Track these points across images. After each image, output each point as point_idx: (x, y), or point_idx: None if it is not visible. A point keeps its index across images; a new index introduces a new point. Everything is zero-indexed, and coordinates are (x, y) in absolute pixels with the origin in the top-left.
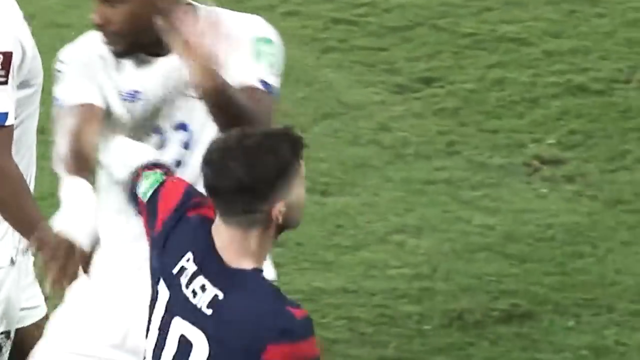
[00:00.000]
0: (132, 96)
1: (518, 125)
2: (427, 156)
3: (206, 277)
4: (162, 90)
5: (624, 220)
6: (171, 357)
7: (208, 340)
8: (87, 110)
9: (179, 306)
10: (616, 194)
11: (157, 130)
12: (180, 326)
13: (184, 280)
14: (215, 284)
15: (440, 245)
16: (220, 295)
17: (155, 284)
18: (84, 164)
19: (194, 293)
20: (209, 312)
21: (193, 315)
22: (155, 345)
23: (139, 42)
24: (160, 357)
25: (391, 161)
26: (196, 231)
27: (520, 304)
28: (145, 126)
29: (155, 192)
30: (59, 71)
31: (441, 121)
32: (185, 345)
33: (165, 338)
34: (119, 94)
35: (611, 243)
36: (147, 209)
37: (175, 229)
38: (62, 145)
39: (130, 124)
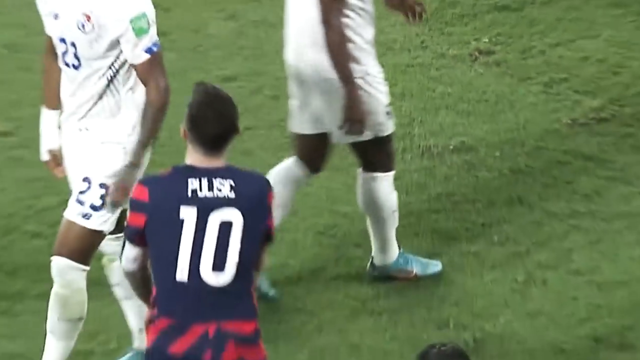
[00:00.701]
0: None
1: (465, 30)
2: (408, 49)
3: (217, 177)
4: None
5: (531, 90)
6: (215, 241)
7: (240, 210)
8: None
9: (211, 205)
10: (526, 73)
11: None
12: (217, 217)
13: (204, 191)
14: (225, 178)
15: (417, 104)
16: (232, 182)
17: (173, 211)
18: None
19: (219, 190)
20: (232, 194)
21: (226, 202)
22: (193, 250)
23: None
24: (202, 247)
25: (384, 52)
26: (176, 171)
27: (465, 140)
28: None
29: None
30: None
31: (417, 28)
32: (225, 226)
33: (204, 234)
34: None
35: (523, 103)
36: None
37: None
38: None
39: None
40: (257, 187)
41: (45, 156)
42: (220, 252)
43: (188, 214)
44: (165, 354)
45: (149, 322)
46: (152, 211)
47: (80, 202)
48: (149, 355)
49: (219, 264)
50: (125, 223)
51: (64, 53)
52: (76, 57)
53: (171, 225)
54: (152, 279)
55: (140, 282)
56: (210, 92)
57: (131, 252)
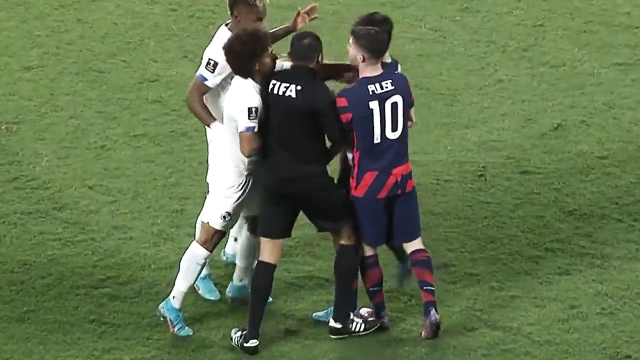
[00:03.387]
0: None
1: None
2: None
3: (383, 81)
4: None
5: None
6: (390, 115)
7: (400, 94)
8: None
9: (384, 96)
10: None
11: None
12: (389, 102)
13: (378, 90)
14: (386, 80)
15: None
16: (391, 80)
17: (366, 108)
18: None
19: (386, 86)
20: (393, 87)
21: (391, 92)
22: (381, 123)
23: None
24: (384, 120)
25: None
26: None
27: None
28: None
29: None
30: None
31: None
32: (394, 104)
33: (384, 115)
34: None
35: None
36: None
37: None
38: None
39: None
40: (404, 79)
41: None
42: (394, 120)
43: (373, 105)
44: (374, 199)
45: (353, 181)
46: (352, 109)
47: None
48: (361, 202)
49: (394, 127)
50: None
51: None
52: None
53: (367, 113)
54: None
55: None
56: (373, 29)
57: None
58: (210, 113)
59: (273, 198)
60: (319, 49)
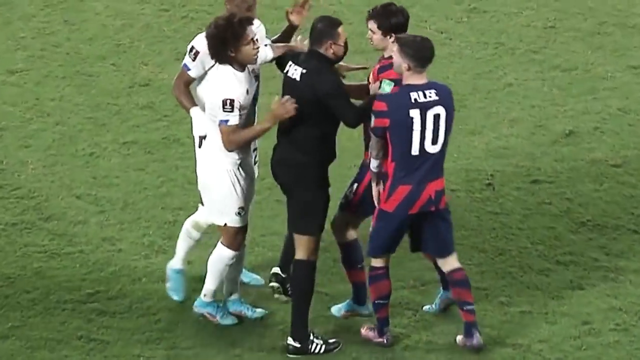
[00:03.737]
0: None
1: None
2: None
3: (426, 89)
4: None
5: None
6: (432, 126)
7: (443, 106)
8: None
9: (427, 106)
10: None
11: None
12: (432, 112)
13: (421, 98)
14: (430, 89)
15: None
16: (435, 90)
17: (406, 116)
18: None
19: (430, 95)
20: (437, 97)
21: (434, 102)
22: (421, 135)
23: None
24: (425, 131)
25: None
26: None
27: None
28: None
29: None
30: None
31: None
32: (437, 116)
33: (425, 126)
34: None
35: None
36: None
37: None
38: None
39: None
40: (448, 90)
41: None
42: (435, 132)
43: (414, 113)
44: (406, 215)
45: (384, 193)
46: (391, 115)
47: None
48: (389, 216)
49: (434, 140)
50: (372, 124)
51: None
52: None
53: (405, 121)
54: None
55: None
56: (418, 36)
57: (374, 141)
58: (192, 98)
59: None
60: (331, 35)
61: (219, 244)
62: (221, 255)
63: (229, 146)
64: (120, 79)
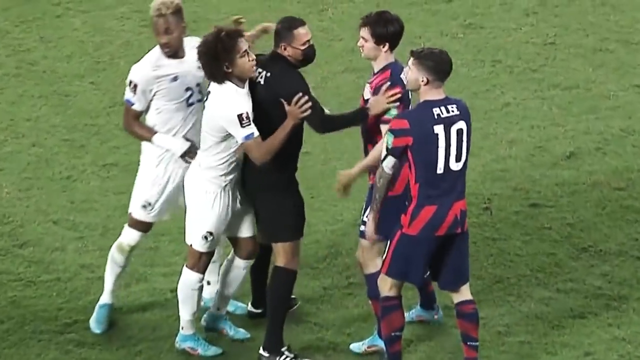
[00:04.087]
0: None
1: None
2: None
3: (448, 105)
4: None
5: None
6: (455, 142)
7: (464, 120)
8: None
9: (450, 121)
10: None
11: None
12: (455, 128)
13: (444, 113)
14: (451, 104)
15: None
16: (456, 105)
17: (430, 133)
18: None
19: (452, 110)
20: (458, 112)
21: (457, 117)
22: (445, 152)
23: None
24: (449, 148)
25: None
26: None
27: None
28: None
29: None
30: None
31: None
32: (460, 131)
33: (449, 142)
34: None
35: None
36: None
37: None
38: None
39: None
40: (465, 105)
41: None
42: (459, 148)
43: (438, 130)
44: (432, 236)
45: (406, 217)
46: (414, 133)
47: None
48: (414, 240)
49: (458, 156)
50: (389, 145)
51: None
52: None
53: (431, 139)
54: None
55: (388, 184)
56: (436, 49)
57: (391, 162)
58: (148, 127)
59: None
60: (285, 37)
61: (184, 267)
62: (186, 279)
63: (264, 157)
64: (99, 98)
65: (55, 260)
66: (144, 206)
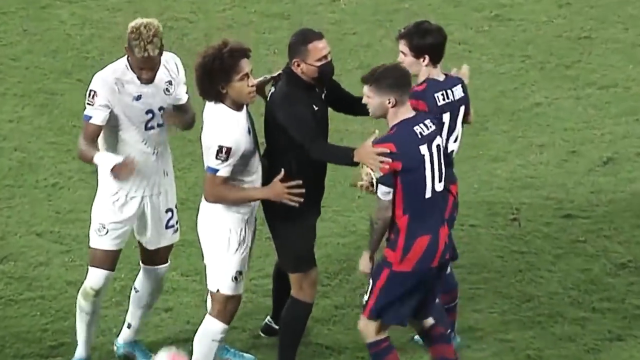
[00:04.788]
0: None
1: None
2: None
3: (424, 120)
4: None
5: None
6: (437, 160)
7: (440, 133)
8: None
9: (430, 137)
10: None
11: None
12: (434, 143)
13: (425, 130)
14: (427, 118)
15: None
16: (429, 118)
17: (417, 154)
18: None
19: (430, 126)
20: (434, 126)
21: (435, 133)
22: (432, 173)
23: None
24: (433, 167)
25: None
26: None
27: None
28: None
29: None
30: None
31: None
32: (438, 147)
33: (433, 158)
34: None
35: None
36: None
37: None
38: None
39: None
40: (436, 122)
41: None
42: (439, 166)
43: (424, 150)
44: (427, 268)
45: (396, 254)
46: (403, 157)
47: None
48: (409, 277)
49: (440, 176)
50: (380, 177)
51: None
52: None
53: (419, 160)
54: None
55: (387, 221)
56: (385, 64)
57: (386, 189)
58: (94, 146)
59: None
60: (299, 52)
61: (207, 315)
62: (209, 328)
63: (211, 198)
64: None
65: (39, 276)
66: (98, 230)
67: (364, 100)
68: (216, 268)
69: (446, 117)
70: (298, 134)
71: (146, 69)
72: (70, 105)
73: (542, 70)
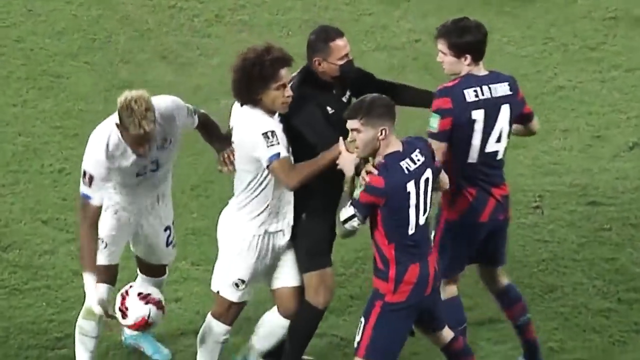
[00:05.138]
0: None
1: None
2: None
3: (411, 154)
4: None
5: None
6: (423, 195)
7: (429, 167)
8: None
9: (419, 172)
10: None
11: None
12: (423, 177)
13: (412, 166)
14: (414, 151)
15: None
16: (419, 151)
17: (403, 190)
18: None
19: (419, 160)
20: (423, 159)
21: (424, 166)
22: (416, 204)
23: None
24: (418, 203)
25: None
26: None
27: None
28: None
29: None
30: None
31: None
32: (426, 181)
33: (419, 196)
34: None
35: None
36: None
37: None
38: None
39: None
40: (426, 142)
41: None
42: (425, 199)
43: (410, 187)
44: (422, 297)
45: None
46: (389, 192)
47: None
48: (402, 309)
49: (424, 210)
50: (357, 200)
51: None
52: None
53: (404, 198)
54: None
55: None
56: (369, 96)
57: (357, 222)
58: (94, 258)
59: None
60: (320, 49)
61: (209, 314)
62: (210, 329)
63: (294, 182)
64: (94, 80)
65: (44, 265)
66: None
67: (349, 138)
68: (220, 268)
69: (478, 115)
70: (309, 134)
71: (143, 143)
72: (76, 88)
73: (566, 52)
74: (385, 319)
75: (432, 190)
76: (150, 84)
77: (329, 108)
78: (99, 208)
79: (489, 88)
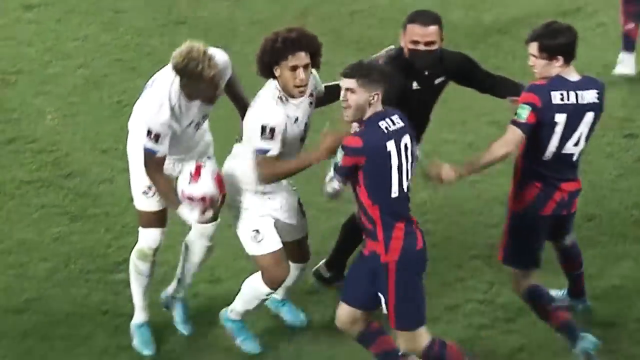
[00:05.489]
0: None
1: None
2: None
3: (391, 116)
4: None
5: None
6: (405, 159)
7: (409, 134)
8: None
9: (398, 134)
10: None
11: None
12: (402, 141)
13: (391, 126)
14: (394, 115)
15: None
16: (396, 114)
17: (383, 149)
18: None
19: (398, 122)
20: (401, 122)
21: (402, 130)
22: (398, 165)
23: None
24: (401, 166)
25: None
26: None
27: None
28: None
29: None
30: None
31: None
32: (406, 147)
33: (400, 156)
34: None
35: None
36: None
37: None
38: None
39: None
40: (407, 119)
41: None
42: (407, 164)
43: (390, 146)
44: (415, 251)
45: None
46: (367, 152)
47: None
48: (403, 257)
49: (407, 175)
50: (338, 164)
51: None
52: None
53: (385, 156)
54: None
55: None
56: (365, 60)
57: (338, 183)
58: (175, 195)
59: None
60: (403, 24)
61: (257, 273)
62: (255, 285)
63: (267, 179)
64: (152, 15)
65: (103, 193)
66: (145, 192)
67: (342, 98)
68: (239, 229)
69: (560, 118)
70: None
71: (218, 84)
72: (135, 22)
73: None
74: (402, 278)
75: (413, 161)
76: (206, 19)
77: (415, 83)
78: (165, 157)
79: (576, 94)
